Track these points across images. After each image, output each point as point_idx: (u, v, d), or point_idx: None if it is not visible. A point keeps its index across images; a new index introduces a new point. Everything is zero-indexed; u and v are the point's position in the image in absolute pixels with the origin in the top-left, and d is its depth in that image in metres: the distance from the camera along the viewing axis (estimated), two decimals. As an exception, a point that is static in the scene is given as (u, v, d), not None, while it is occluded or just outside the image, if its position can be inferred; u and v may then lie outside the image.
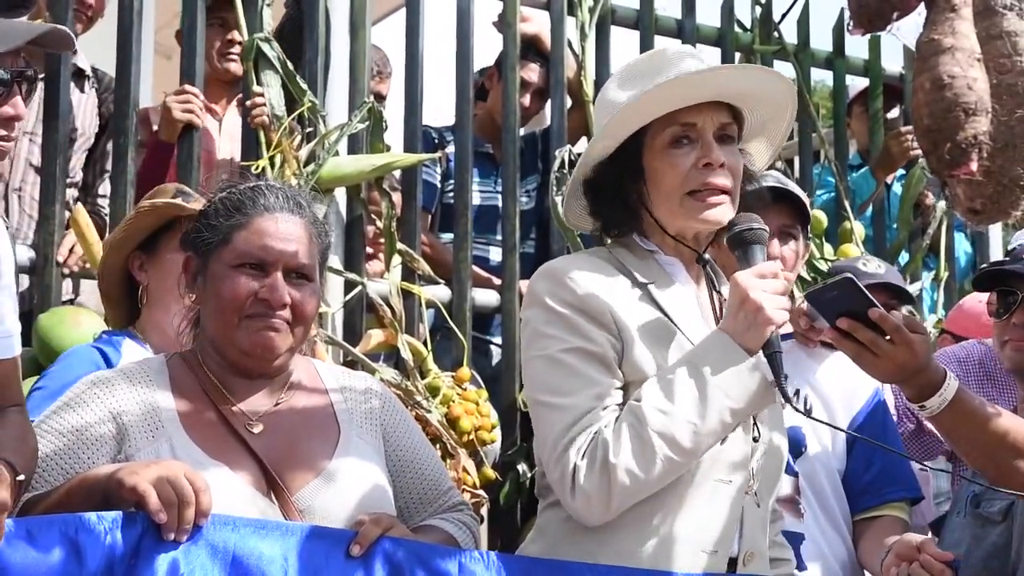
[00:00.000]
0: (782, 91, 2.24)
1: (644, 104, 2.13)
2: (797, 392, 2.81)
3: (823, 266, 4.10)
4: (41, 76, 2.13)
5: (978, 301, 3.63)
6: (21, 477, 1.80)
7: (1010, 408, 3.12)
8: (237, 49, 3.88)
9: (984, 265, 3.17)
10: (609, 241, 2.27)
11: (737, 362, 2.01)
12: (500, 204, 4.10)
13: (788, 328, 2.46)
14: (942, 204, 4.63)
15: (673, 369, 2.03)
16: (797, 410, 2.08)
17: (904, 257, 4.70)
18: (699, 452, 2.03)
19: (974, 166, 2.23)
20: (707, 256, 2.22)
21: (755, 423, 2.15)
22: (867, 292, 2.11)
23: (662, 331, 2.10)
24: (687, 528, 2.07)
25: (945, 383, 2.18)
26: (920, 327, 2.18)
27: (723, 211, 2.13)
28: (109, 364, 2.55)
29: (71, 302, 3.63)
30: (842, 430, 2.70)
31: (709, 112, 2.14)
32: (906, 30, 2.46)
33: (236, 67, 3.92)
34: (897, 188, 4.93)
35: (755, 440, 2.14)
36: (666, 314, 2.12)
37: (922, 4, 2.39)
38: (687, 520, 2.07)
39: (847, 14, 2.53)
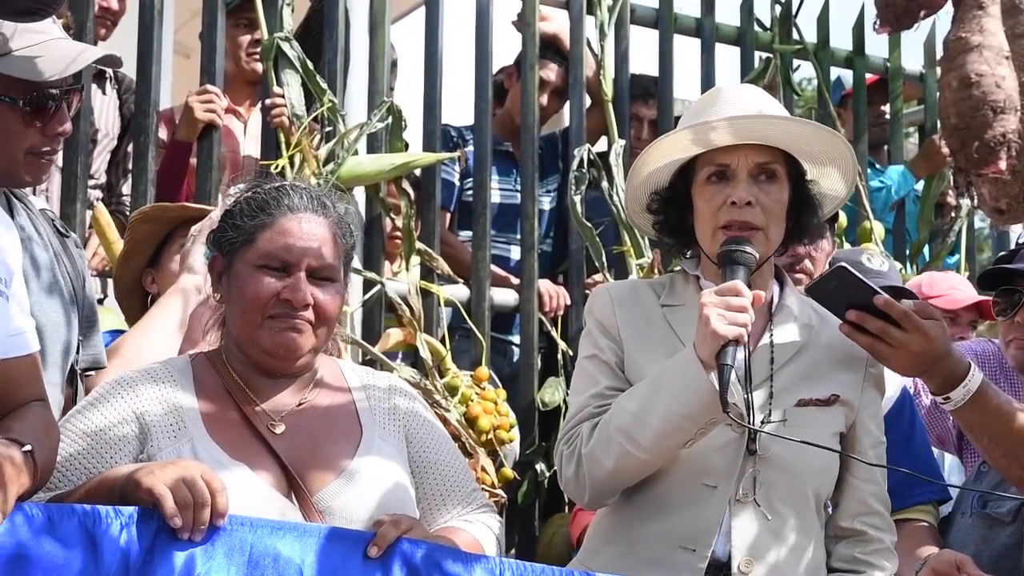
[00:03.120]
0: (810, 134, 2.34)
1: (665, 146, 2.35)
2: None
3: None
4: (81, 86, 2.18)
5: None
6: (28, 448, 1.80)
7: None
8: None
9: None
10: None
11: (687, 370, 2.15)
12: (520, 203, 4.10)
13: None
14: (966, 203, 4.60)
15: (649, 375, 2.24)
16: (734, 420, 2.15)
17: (925, 257, 4.68)
18: (659, 449, 2.19)
19: (1003, 164, 2.21)
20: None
21: (754, 437, 2.23)
22: (864, 280, 2.10)
23: (666, 345, 2.29)
24: (667, 524, 2.24)
25: (969, 374, 2.14)
26: (933, 313, 2.15)
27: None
28: None
29: (100, 302, 3.66)
30: (825, 447, 2.51)
31: (745, 152, 2.29)
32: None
33: (258, 67, 3.93)
34: (917, 187, 4.90)
35: (751, 453, 2.23)
36: (675, 332, 2.30)
37: (950, 2, 2.37)
38: (668, 517, 2.24)
39: (871, 13, 2.51)
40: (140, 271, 2.91)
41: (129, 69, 3.79)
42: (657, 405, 2.16)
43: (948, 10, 2.37)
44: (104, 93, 3.93)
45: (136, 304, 2.94)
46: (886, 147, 5.06)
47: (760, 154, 2.29)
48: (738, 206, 2.25)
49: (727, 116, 2.28)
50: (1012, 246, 4.73)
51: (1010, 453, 2.22)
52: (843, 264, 2.13)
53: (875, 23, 2.51)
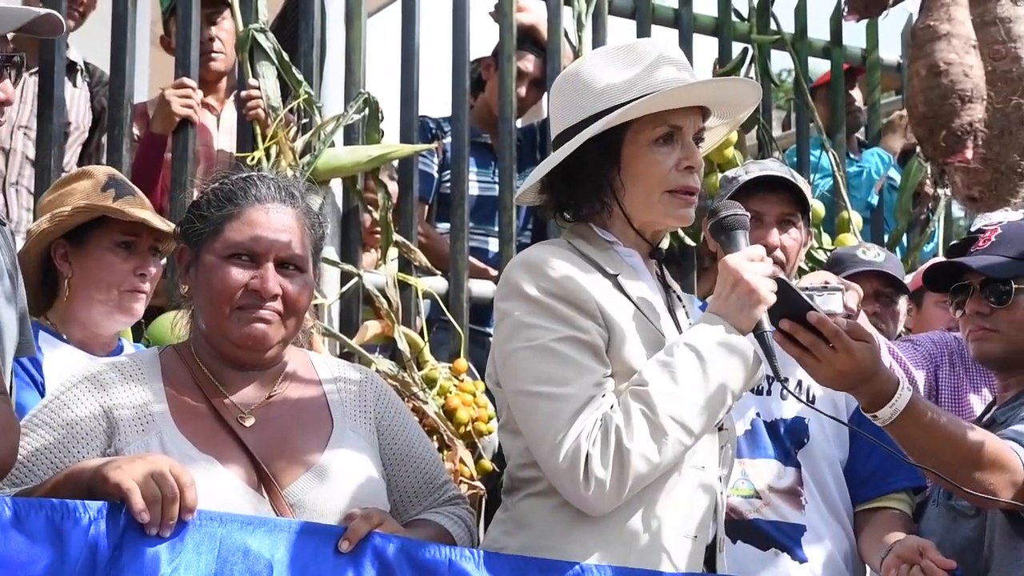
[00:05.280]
0: (752, 105, 2.35)
1: (662, 97, 2.13)
2: (799, 383, 2.80)
3: (821, 256, 4.08)
4: (35, 71, 2.11)
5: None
6: None
7: (984, 396, 3.11)
8: (218, 46, 3.89)
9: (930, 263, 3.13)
10: (561, 229, 2.28)
11: (735, 344, 2.06)
12: (498, 195, 4.09)
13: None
14: (944, 192, 4.62)
15: (671, 352, 2.06)
16: (787, 390, 2.17)
17: (903, 247, 4.69)
18: (703, 435, 2.08)
19: (969, 153, 2.22)
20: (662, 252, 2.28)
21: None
22: (802, 295, 2.12)
23: (637, 321, 2.12)
24: (672, 514, 2.10)
25: (897, 393, 2.16)
26: (865, 335, 2.14)
27: (692, 212, 2.21)
28: None
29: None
30: (842, 422, 2.65)
31: (692, 116, 2.20)
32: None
33: (217, 65, 3.93)
34: (894, 174, 4.91)
35: (720, 429, 2.18)
36: (636, 305, 2.14)
37: (919, -10, 2.38)
38: (672, 506, 2.10)
39: (843, 1, 2.52)
40: (48, 243, 2.68)
41: (103, 63, 3.78)
42: (713, 389, 2.03)
43: (917, -3, 2.38)
44: (75, 86, 3.91)
45: (32, 278, 2.62)
46: (855, 136, 5.08)
47: (700, 120, 2.21)
48: (693, 171, 2.17)
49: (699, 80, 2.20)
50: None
51: (941, 467, 2.24)
52: (782, 278, 2.14)
53: (844, 10, 2.51)
